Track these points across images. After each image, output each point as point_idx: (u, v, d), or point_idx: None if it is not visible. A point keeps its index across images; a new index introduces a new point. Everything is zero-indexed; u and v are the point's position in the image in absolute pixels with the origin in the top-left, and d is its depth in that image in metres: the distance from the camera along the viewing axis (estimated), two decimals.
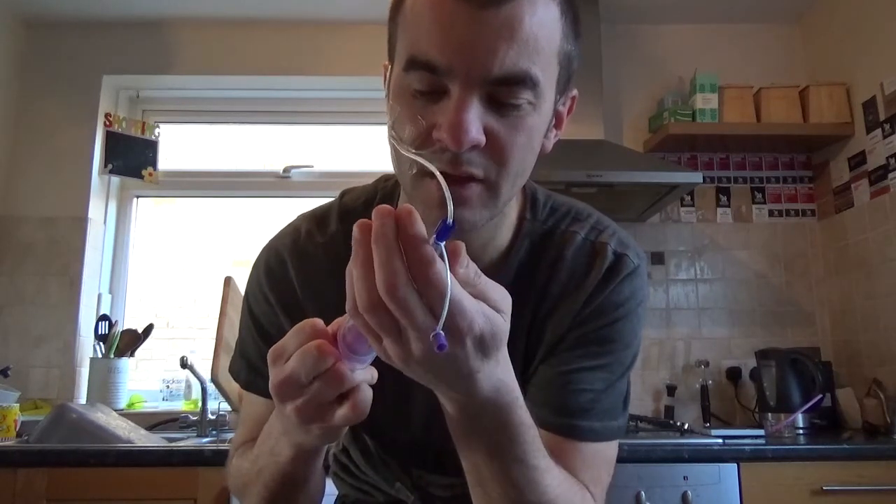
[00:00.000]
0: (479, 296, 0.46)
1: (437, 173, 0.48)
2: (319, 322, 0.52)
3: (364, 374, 0.52)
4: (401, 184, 0.67)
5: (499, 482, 0.58)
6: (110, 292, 2.50)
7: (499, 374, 0.51)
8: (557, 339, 0.71)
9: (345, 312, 0.50)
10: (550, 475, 0.60)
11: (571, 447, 0.67)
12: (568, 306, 0.71)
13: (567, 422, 0.68)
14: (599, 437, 0.69)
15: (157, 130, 2.57)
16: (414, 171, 0.58)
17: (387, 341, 0.46)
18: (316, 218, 0.79)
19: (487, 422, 0.54)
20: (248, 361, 0.79)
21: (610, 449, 0.72)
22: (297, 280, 0.76)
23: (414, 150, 0.56)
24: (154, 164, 2.52)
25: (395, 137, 0.59)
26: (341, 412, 0.51)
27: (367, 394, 0.52)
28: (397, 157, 0.61)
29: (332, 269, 0.73)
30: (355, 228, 0.44)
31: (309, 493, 0.70)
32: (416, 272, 0.43)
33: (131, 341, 2.30)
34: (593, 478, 0.68)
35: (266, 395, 0.74)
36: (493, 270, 0.69)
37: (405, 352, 0.46)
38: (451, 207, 0.45)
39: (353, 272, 0.45)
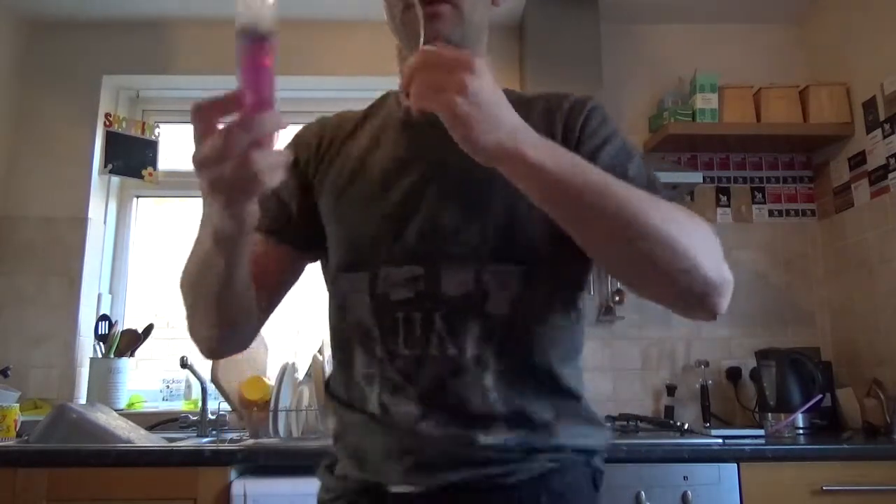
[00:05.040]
0: None
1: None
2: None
3: (269, 123, 0.55)
4: (395, 32, 0.85)
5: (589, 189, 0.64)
6: (110, 292, 2.50)
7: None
8: None
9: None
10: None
11: None
12: (548, 130, 0.79)
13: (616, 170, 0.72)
14: (652, 178, 0.77)
15: (157, 130, 2.57)
16: (401, 14, 0.80)
17: (454, 95, 0.58)
18: None
19: (548, 150, 0.63)
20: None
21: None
22: (322, 136, 0.91)
23: None
24: (154, 164, 2.52)
25: None
26: (231, 163, 0.54)
27: (266, 158, 0.54)
28: (390, 10, 0.82)
29: (344, 129, 0.90)
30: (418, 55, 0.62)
31: (234, 292, 0.73)
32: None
33: (131, 341, 2.30)
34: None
35: (261, 229, 0.84)
36: None
37: (462, 87, 0.59)
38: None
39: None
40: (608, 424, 0.87)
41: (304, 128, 0.95)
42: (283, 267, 0.89)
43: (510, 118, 0.62)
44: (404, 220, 0.78)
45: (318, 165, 0.89)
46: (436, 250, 0.76)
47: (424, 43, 0.73)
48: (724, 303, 0.69)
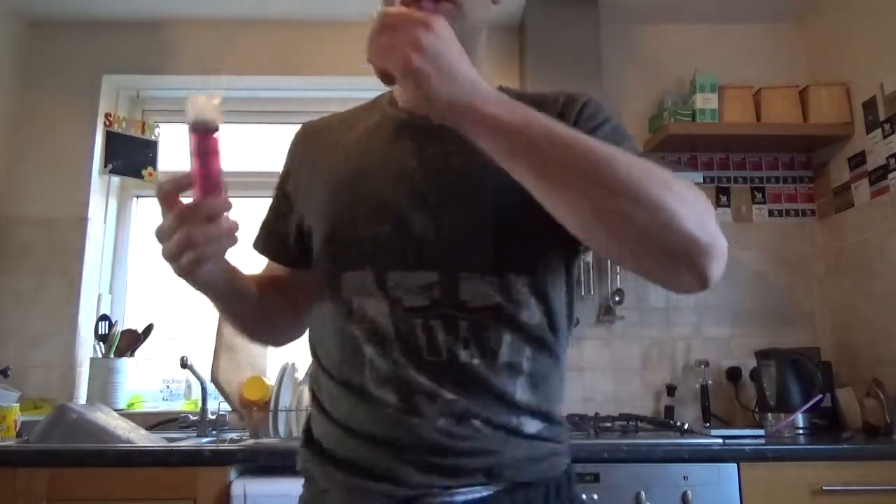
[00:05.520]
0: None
1: None
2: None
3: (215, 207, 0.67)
4: None
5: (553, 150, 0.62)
6: (110, 292, 2.50)
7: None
8: None
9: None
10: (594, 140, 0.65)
11: None
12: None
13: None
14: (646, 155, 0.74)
15: (157, 130, 2.57)
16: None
17: (408, 51, 0.59)
18: None
19: (505, 104, 0.62)
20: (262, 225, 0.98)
21: None
22: (298, 144, 0.94)
23: None
24: (154, 164, 2.52)
25: None
26: (175, 237, 0.68)
27: (206, 233, 0.66)
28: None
29: (332, 132, 0.91)
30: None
31: (246, 317, 0.91)
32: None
33: (131, 341, 2.31)
34: None
35: (265, 252, 0.97)
36: None
37: (419, 46, 0.59)
38: None
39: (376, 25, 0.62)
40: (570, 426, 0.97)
41: (291, 142, 0.97)
42: (300, 284, 0.92)
43: (467, 73, 0.61)
44: (407, 224, 0.77)
45: (299, 175, 0.92)
46: (449, 257, 0.75)
47: None
48: (715, 266, 0.62)
